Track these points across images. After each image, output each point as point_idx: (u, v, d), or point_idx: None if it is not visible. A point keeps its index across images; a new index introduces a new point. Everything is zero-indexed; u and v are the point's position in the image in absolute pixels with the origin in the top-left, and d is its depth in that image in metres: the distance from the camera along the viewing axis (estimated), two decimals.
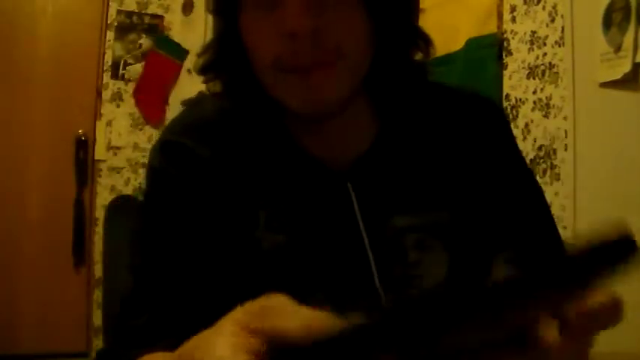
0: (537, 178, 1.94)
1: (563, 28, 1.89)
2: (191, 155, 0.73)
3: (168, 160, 0.75)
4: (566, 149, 1.85)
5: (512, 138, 0.82)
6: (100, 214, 3.57)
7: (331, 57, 0.66)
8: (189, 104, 0.82)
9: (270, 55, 0.67)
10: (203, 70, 0.75)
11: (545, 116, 1.95)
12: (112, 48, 3.72)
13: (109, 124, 3.69)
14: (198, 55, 0.75)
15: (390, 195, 0.73)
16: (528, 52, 2.03)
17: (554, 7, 1.94)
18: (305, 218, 0.71)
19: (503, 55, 2.12)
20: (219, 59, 0.74)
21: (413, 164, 0.74)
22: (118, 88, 3.72)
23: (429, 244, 0.71)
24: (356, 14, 0.66)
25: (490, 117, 0.80)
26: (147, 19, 3.79)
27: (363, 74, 0.70)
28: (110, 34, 3.71)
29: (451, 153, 0.76)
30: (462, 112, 0.78)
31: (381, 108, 0.76)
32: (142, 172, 3.73)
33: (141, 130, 3.75)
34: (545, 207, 0.81)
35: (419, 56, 0.76)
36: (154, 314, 0.68)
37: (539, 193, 0.82)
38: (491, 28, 2.16)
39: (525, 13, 2.05)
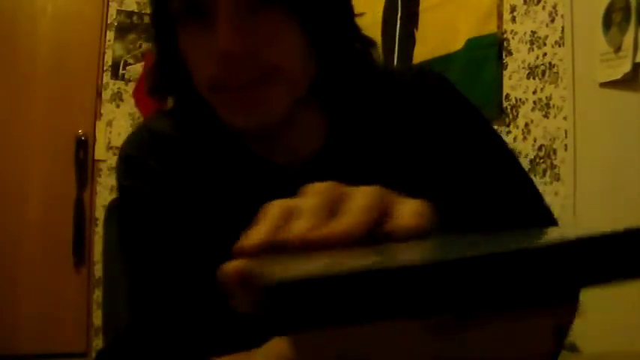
0: (537, 178, 1.94)
1: (563, 28, 1.89)
2: (149, 170, 0.74)
3: (132, 174, 0.75)
4: (566, 149, 1.85)
5: (465, 103, 0.78)
6: (100, 214, 3.57)
7: (267, 75, 0.65)
8: (146, 119, 0.82)
9: (205, 76, 0.67)
10: (151, 92, 0.76)
11: (545, 116, 1.95)
12: (112, 48, 3.72)
13: (109, 124, 3.69)
14: (146, 79, 0.76)
15: None
16: (528, 52, 2.03)
17: (554, 7, 1.94)
18: None
19: (503, 55, 2.12)
20: (163, 82, 0.74)
21: (365, 159, 0.74)
22: (118, 88, 3.72)
23: None
24: (289, 31, 0.66)
25: (436, 88, 0.77)
26: (147, 19, 3.79)
27: (304, 85, 0.70)
28: (110, 34, 3.72)
29: (403, 139, 0.75)
30: (408, 93, 0.77)
31: (330, 109, 0.76)
32: None
33: None
34: (514, 164, 0.77)
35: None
36: (172, 323, 0.69)
37: (506, 153, 0.78)
38: (492, 28, 2.16)
39: (525, 13, 2.05)
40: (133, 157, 0.75)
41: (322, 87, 0.74)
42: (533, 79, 2.00)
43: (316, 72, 0.71)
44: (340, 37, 0.72)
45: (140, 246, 0.73)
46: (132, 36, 3.76)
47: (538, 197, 0.77)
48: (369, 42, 0.75)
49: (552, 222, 0.76)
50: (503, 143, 0.79)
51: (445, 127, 0.75)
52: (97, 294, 3.46)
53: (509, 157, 0.78)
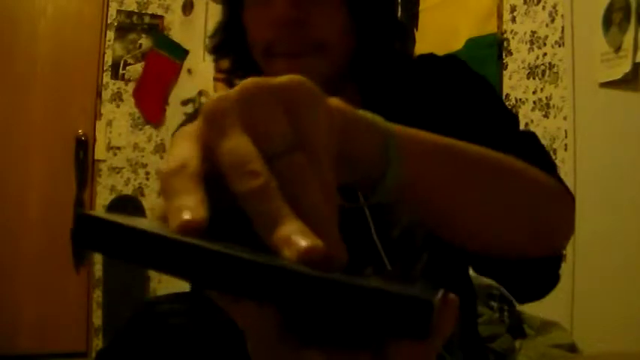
0: None
1: (563, 28, 1.89)
2: None
3: None
4: (566, 149, 1.85)
5: (474, 79, 0.85)
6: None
7: (312, 47, 0.76)
8: (198, 107, 0.93)
9: (262, 42, 0.78)
10: (212, 51, 0.88)
11: (545, 116, 1.95)
12: (112, 48, 3.72)
13: (109, 124, 3.69)
14: (209, 37, 0.88)
15: None
16: (528, 52, 2.03)
17: (554, 7, 1.94)
18: None
19: (503, 55, 2.12)
20: (224, 42, 0.86)
21: None
22: (118, 88, 3.72)
23: None
24: (337, 11, 0.77)
25: (450, 69, 0.86)
26: (147, 19, 3.79)
27: (343, 62, 0.80)
28: (110, 34, 3.72)
29: (421, 114, 0.82)
30: (427, 73, 0.86)
31: (364, 87, 0.86)
32: (141, 172, 3.73)
33: (141, 130, 3.75)
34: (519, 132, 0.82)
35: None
36: None
37: (512, 120, 0.84)
38: (492, 28, 2.16)
39: (525, 13, 2.05)
40: None
41: (359, 67, 0.83)
42: (533, 79, 2.00)
43: (354, 51, 0.81)
44: (378, 22, 0.82)
45: None
46: (132, 36, 3.76)
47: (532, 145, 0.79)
48: (404, 28, 0.86)
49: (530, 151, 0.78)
50: (512, 117, 0.83)
51: (456, 104, 0.83)
52: (97, 294, 3.46)
53: (503, 114, 0.83)
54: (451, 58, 0.88)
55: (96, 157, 3.64)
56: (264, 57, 0.79)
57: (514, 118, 0.85)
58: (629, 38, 1.61)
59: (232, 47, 0.86)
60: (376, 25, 0.81)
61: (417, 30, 2.44)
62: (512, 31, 2.10)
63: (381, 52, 0.83)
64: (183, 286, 0.87)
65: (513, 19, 2.10)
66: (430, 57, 0.89)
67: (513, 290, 0.76)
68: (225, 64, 0.88)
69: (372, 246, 0.79)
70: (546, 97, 1.95)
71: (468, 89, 0.85)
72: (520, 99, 2.04)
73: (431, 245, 0.79)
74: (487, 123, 0.81)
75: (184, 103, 3.50)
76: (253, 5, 0.79)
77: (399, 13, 2.51)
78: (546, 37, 1.96)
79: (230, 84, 0.89)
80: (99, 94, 3.68)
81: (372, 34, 0.81)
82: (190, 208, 0.29)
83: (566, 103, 1.86)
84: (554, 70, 1.93)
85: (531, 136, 0.79)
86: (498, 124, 0.82)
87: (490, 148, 0.77)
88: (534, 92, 1.99)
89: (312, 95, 0.35)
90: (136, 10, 3.77)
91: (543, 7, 1.98)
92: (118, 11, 3.73)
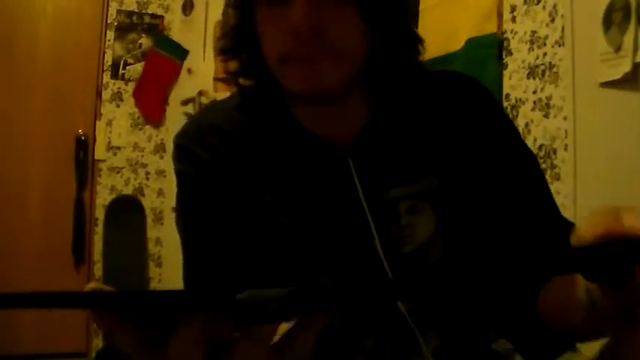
0: None
1: (563, 28, 1.89)
2: (197, 158, 0.86)
3: (184, 161, 0.87)
4: (566, 149, 1.85)
5: (498, 109, 0.90)
6: (100, 214, 3.57)
7: (329, 54, 0.75)
8: (197, 112, 0.92)
9: (276, 50, 0.77)
10: (222, 52, 0.86)
11: (545, 116, 1.95)
12: (112, 48, 3.72)
13: (109, 124, 3.69)
14: (218, 39, 0.89)
15: (386, 168, 0.84)
16: (528, 52, 2.03)
17: (554, 7, 1.93)
18: (311, 191, 0.83)
19: (503, 55, 2.11)
20: (235, 44, 0.84)
21: (404, 140, 0.85)
22: (118, 88, 3.73)
23: (420, 208, 0.83)
24: (353, 17, 0.76)
25: (472, 92, 0.88)
26: (147, 19, 3.79)
27: (358, 67, 0.80)
28: (110, 34, 3.72)
29: (438, 127, 0.85)
30: (446, 91, 0.88)
31: (375, 94, 0.86)
32: (141, 172, 3.73)
33: (141, 129, 3.75)
34: (537, 171, 0.89)
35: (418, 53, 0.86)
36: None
37: (531, 157, 0.89)
38: (491, 28, 2.15)
39: (525, 13, 2.05)
40: (184, 146, 0.87)
41: (370, 73, 0.83)
42: (533, 79, 2.00)
43: (368, 57, 0.80)
44: (393, 29, 0.81)
45: (189, 222, 0.87)
46: (132, 36, 3.76)
47: (554, 206, 0.89)
48: (417, 38, 0.86)
49: (562, 229, 0.85)
50: (530, 153, 0.89)
51: (477, 128, 0.85)
52: None
53: (533, 166, 0.88)
54: (478, 85, 0.90)
55: (96, 157, 3.64)
56: (279, 62, 0.78)
57: (534, 157, 0.90)
58: (629, 38, 1.61)
59: (243, 49, 0.84)
60: (391, 32, 0.81)
61: (417, 30, 2.44)
62: (512, 30, 2.10)
63: (395, 59, 0.83)
64: (182, 286, 0.87)
65: (513, 19, 2.10)
66: (457, 76, 0.90)
67: (533, 354, 0.82)
68: (232, 65, 0.86)
69: (376, 257, 0.81)
70: (546, 97, 1.95)
71: (494, 122, 0.87)
72: (520, 99, 2.04)
73: (446, 264, 0.82)
74: (510, 163, 0.85)
75: (184, 103, 3.50)
76: (267, 7, 0.77)
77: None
78: (546, 37, 1.96)
79: (235, 84, 0.88)
80: (99, 94, 3.68)
81: (386, 41, 0.80)
82: None
83: (566, 103, 1.86)
84: (555, 70, 1.92)
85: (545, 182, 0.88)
86: (521, 165, 0.86)
87: (510, 188, 0.84)
88: (534, 92, 1.99)
89: None
90: (136, 10, 3.77)
91: (543, 7, 1.98)
92: (118, 11, 3.73)
